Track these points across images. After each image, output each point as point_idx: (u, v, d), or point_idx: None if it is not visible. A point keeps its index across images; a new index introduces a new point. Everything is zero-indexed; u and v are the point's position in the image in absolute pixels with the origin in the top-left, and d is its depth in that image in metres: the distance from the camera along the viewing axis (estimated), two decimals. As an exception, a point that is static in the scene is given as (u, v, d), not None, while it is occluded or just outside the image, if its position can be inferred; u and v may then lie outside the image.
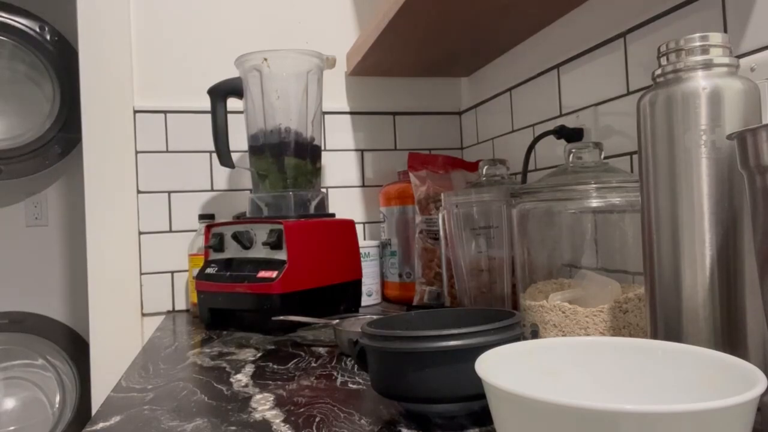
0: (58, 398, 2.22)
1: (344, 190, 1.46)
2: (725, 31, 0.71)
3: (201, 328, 1.10)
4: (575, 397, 0.33)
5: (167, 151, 1.34)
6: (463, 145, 1.53)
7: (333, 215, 1.21)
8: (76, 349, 2.27)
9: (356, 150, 1.46)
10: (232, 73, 1.23)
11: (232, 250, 1.11)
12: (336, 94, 1.46)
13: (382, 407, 0.59)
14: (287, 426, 0.55)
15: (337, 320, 0.91)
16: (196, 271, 1.18)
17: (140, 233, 1.32)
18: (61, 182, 2.36)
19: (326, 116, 1.43)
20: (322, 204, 1.20)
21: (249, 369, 0.78)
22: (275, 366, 0.79)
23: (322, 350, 0.88)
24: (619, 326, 0.67)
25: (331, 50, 1.40)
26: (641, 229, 0.56)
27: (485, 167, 1.02)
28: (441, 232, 1.03)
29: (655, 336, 0.54)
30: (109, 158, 1.30)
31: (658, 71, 0.55)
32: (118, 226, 1.30)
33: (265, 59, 1.14)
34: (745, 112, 0.50)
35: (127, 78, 1.32)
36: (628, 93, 0.89)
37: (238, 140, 1.33)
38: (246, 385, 0.70)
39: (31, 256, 2.33)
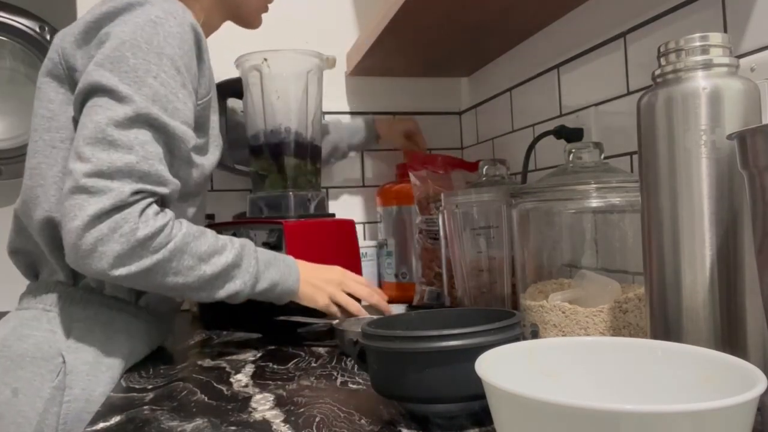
0: (58, 398, 2.22)
1: (344, 190, 1.46)
2: (725, 31, 0.71)
3: (201, 328, 1.10)
4: (575, 397, 0.33)
5: (167, 151, 1.34)
6: (463, 145, 1.53)
7: (333, 215, 1.21)
8: (76, 349, 2.27)
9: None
10: (232, 73, 1.22)
11: (232, 250, 1.11)
12: (336, 94, 1.46)
13: (382, 407, 0.59)
14: (287, 426, 0.55)
15: (337, 320, 0.91)
16: (196, 271, 1.17)
17: (140, 233, 1.32)
18: (61, 182, 2.36)
19: (326, 116, 1.43)
20: (322, 204, 1.20)
21: (249, 369, 0.78)
22: (275, 366, 0.79)
23: (322, 350, 0.88)
24: (619, 326, 0.67)
25: (331, 50, 1.40)
26: (641, 229, 0.56)
27: (485, 167, 1.02)
28: (441, 232, 1.03)
29: (655, 336, 0.54)
30: (109, 158, 1.29)
31: (658, 71, 0.55)
32: (118, 226, 1.29)
33: (265, 59, 1.14)
34: (745, 112, 0.50)
35: (127, 78, 1.31)
36: (628, 93, 0.89)
37: (238, 140, 1.33)
38: (246, 385, 0.70)
39: (31, 256, 2.32)
